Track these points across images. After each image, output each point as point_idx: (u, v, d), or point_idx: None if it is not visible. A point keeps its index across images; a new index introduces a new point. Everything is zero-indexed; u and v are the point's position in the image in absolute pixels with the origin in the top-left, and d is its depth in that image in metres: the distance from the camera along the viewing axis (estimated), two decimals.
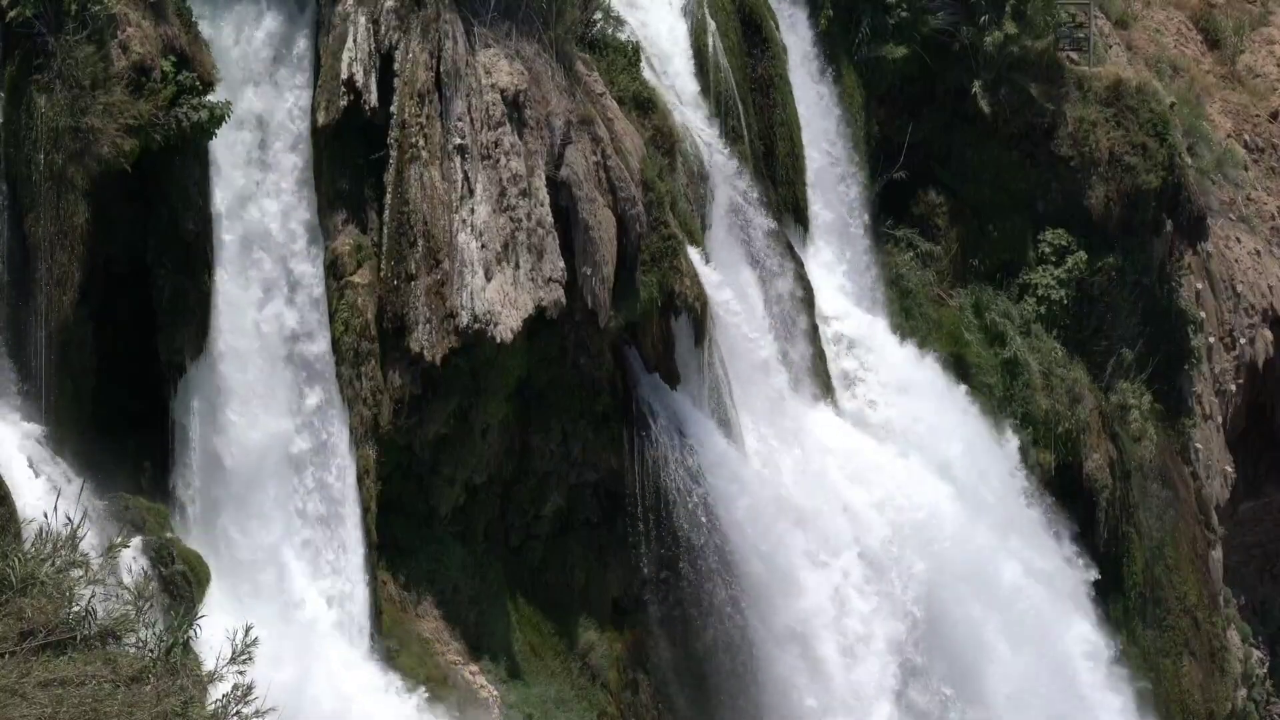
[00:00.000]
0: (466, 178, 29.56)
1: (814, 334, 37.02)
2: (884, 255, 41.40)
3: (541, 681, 31.06)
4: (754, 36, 37.93)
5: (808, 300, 36.77)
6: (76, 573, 13.61)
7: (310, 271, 28.71)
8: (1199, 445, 46.47)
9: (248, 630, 12.95)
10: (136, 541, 24.54)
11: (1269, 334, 50.09)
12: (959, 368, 41.03)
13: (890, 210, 42.07)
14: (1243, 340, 49.19)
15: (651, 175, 32.30)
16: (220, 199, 27.32)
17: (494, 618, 30.97)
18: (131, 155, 25.53)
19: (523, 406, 31.49)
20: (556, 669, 31.52)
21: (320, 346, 28.70)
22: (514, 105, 30.21)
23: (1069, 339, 43.31)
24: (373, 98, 28.92)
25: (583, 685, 31.72)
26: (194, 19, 26.96)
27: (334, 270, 28.96)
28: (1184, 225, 45.52)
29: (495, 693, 29.95)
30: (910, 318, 41.07)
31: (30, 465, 24.14)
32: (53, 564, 13.61)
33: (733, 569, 33.01)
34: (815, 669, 34.12)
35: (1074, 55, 45.46)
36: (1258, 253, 50.73)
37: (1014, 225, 43.39)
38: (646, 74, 34.58)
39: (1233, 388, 48.89)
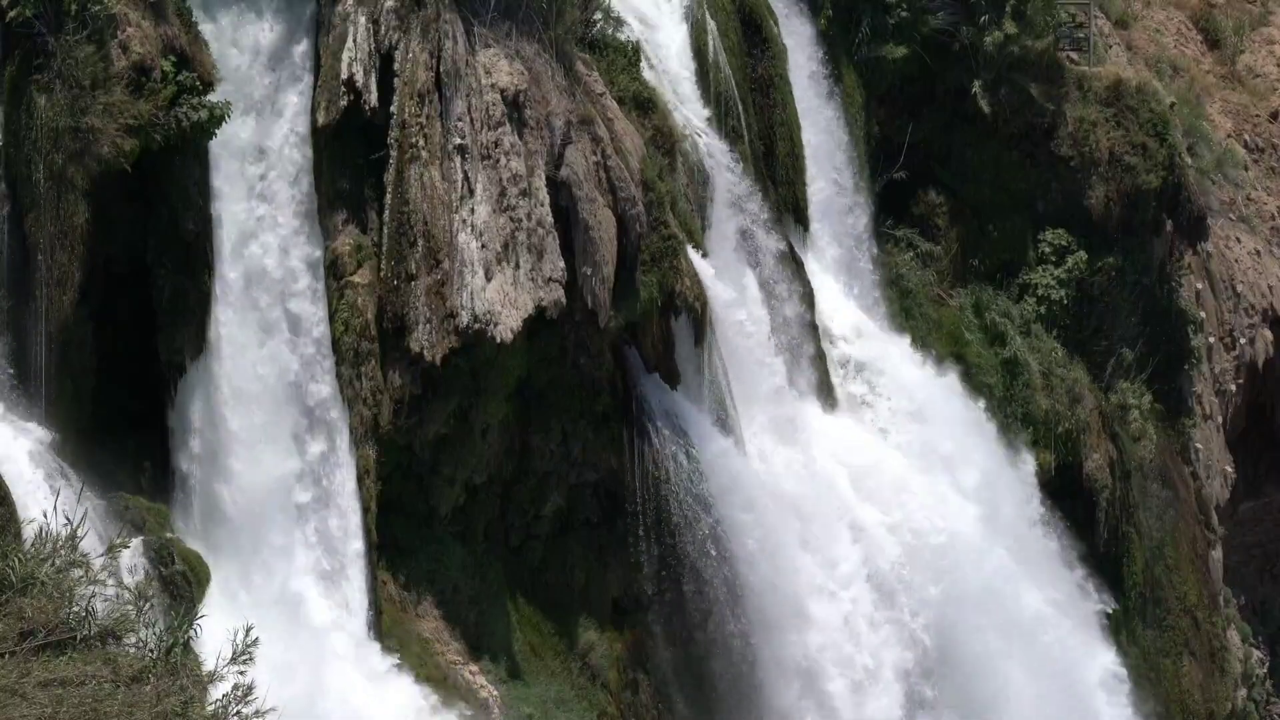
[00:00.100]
0: (466, 178, 29.55)
1: (814, 333, 37.02)
2: (884, 255, 41.40)
3: (541, 681, 31.04)
4: (754, 36, 37.92)
5: (807, 299, 36.75)
6: (76, 573, 13.59)
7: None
8: (1199, 445, 46.44)
9: (248, 630, 12.93)
10: (136, 542, 24.54)
11: (1269, 334, 50.06)
12: (959, 368, 41.01)
13: (890, 210, 42.07)
14: (1243, 340, 49.16)
15: (651, 175, 32.28)
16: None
17: (494, 618, 30.95)
18: (131, 155, 25.53)
19: (523, 406, 31.47)
20: (556, 669, 31.51)
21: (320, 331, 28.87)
22: (514, 105, 30.20)
23: (1069, 339, 43.29)
24: (373, 98, 28.91)
25: (583, 685, 31.69)
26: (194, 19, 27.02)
27: (334, 270, 28.97)
28: (1184, 225, 45.49)
29: (495, 693, 29.92)
30: (910, 318, 41.06)
31: (30, 465, 24.14)
32: (53, 564, 13.59)
33: (733, 569, 32.99)
34: (816, 687, 34.19)
35: (1074, 55, 45.42)
36: (1258, 253, 50.70)
37: (1014, 225, 43.37)
38: (646, 74, 34.57)
39: (1233, 388, 48.86)
